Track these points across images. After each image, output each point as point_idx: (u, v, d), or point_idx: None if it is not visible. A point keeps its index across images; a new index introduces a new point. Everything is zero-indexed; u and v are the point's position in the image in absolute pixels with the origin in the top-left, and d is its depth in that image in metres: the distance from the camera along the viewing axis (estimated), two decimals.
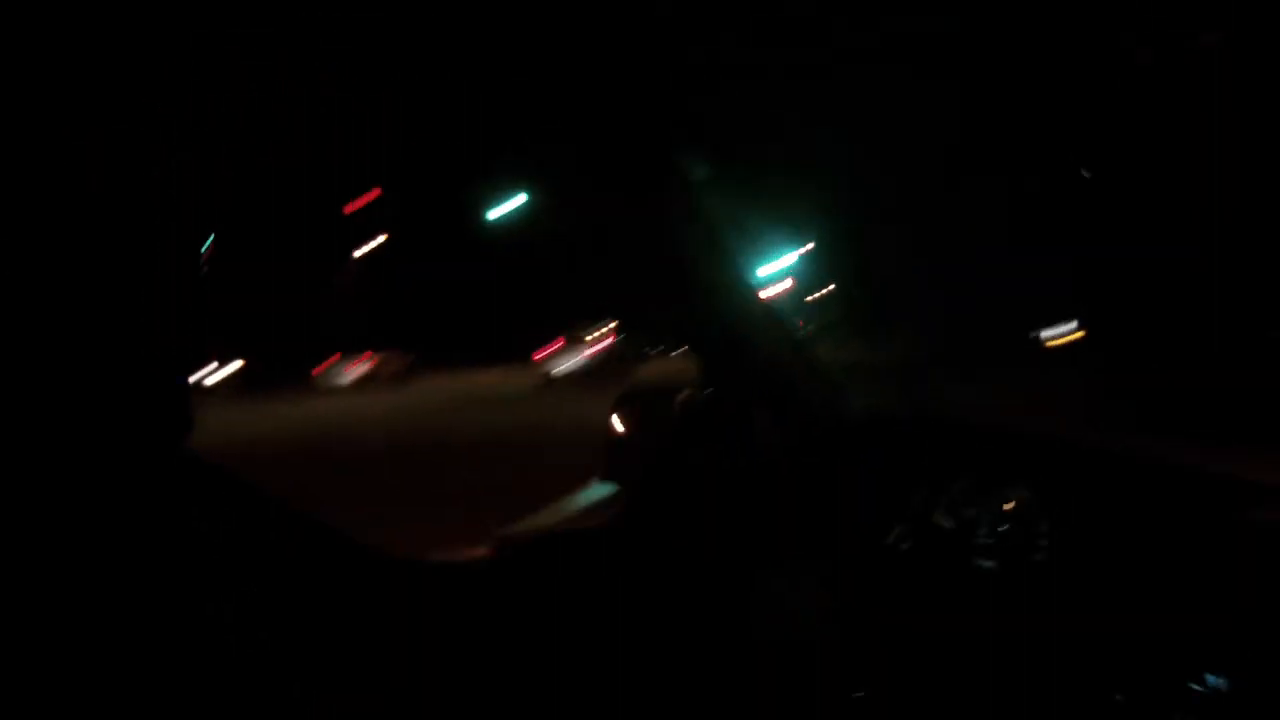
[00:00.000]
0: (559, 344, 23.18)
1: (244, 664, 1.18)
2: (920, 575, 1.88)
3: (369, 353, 27.35)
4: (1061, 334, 11.23)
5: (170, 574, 1.11)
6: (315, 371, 26.99)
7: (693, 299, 1.65)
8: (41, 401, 1.09)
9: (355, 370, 26.92)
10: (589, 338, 23.20)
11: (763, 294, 2.08)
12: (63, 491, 1.08)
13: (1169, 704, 1.53)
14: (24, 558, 1.04)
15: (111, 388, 1.16)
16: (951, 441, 2.04)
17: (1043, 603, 1.73)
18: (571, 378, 21.93)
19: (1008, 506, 1.82)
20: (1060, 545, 1.74)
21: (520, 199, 2.03)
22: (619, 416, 2.47)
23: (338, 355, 27.23)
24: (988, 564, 1.81)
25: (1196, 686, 1.51)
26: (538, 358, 23.12)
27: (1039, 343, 10.96)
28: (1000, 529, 1.81)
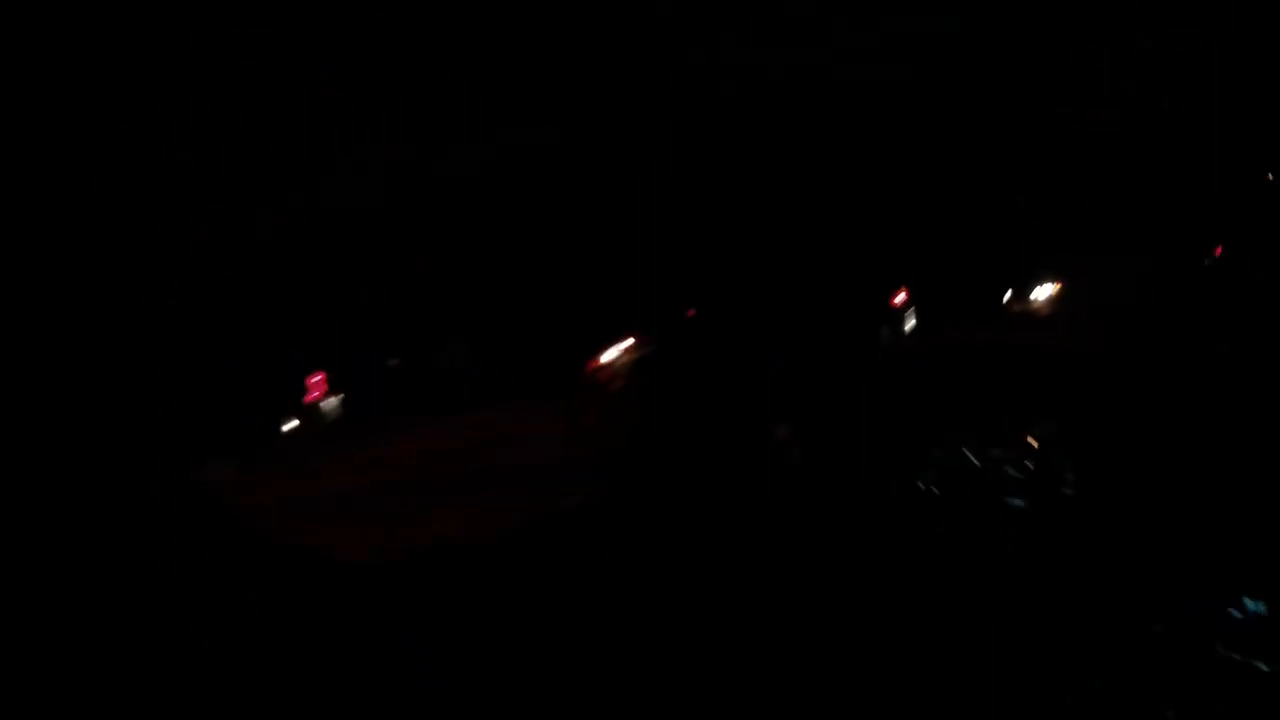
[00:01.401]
0: None
1: (220, 664, 1.16)
2: (951, 518, 1.88)
3: None
4: None
5: (154, 581, 1.10)
6: None
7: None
8: (38, 398, 1.09)
9: None
10: None
11: None
12: (51, 495, 1.07)
13: (1209, 632, 1.52)
14: (14, 562, 1.03)
15: (107, 388, 1.15)
16: (975, 378, 2.02)
17: (1074, 537, 1.72)
18: None
19: (1033, 442, 1.82)
20: (1088, 478, 1.74)
21: None
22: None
23: None
24: (1017, 502, 1.81)
25: (1236, 613, 1.50)
26: None
27: None
28: (1028, 465, 1.81)
